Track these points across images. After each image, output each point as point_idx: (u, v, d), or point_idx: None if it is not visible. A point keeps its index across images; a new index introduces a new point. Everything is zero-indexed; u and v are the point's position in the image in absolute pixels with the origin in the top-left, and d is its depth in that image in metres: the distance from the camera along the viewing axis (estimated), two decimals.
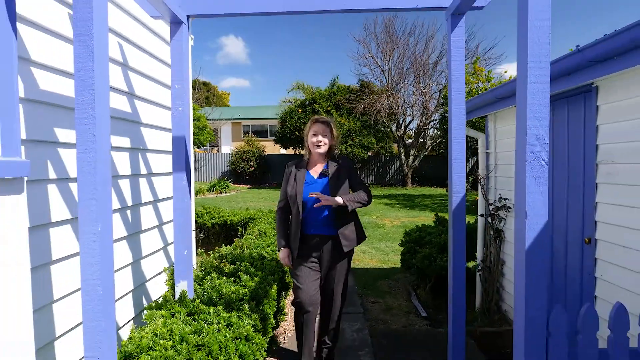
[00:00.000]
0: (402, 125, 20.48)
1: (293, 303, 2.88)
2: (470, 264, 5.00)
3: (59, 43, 2.12)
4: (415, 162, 20.15)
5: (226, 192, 18.08)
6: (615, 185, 2.68)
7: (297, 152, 20.80)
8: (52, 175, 2.06)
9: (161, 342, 1.97)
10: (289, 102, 22.07)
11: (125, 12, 2.71)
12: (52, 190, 2.07)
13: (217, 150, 31.41)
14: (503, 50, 37.89)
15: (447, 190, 14.94)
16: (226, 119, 29.05)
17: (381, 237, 8.52)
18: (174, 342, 1.99)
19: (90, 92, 1.58)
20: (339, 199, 2.74)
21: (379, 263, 6.50)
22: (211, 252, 3.66)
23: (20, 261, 1.75)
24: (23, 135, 1.87)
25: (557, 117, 3.41)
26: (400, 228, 9.11)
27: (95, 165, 1.59)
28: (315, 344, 3.02)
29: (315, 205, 2.74)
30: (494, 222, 4.44)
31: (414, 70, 18.33)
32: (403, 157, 20.09)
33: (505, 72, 25.10)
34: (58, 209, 2.10)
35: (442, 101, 17.50)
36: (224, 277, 2.87)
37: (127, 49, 2.75)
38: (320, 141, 2.88)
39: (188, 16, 2.59)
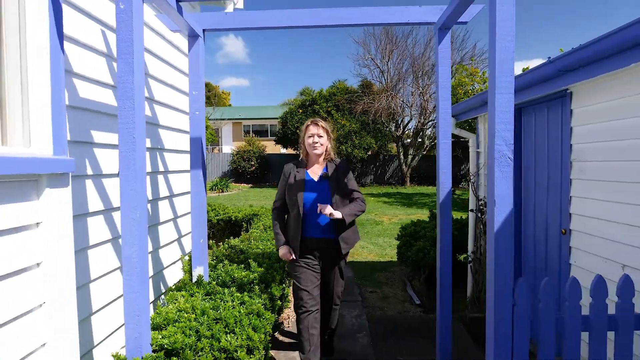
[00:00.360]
0: (401, 125, 20.79)
1: (295, 306, 2.92)
2: (463, 257, 5.31)
3: (93, 55, 2.43)
4: (414, 161, 20.46)
5: (227, 191, 18.40)
6: (586, 180, 3.00)
7: (297, 152, 21.10)
8: (89, 171, 2.37)
9: (185, 315, 2.29)
10: (291, 103, 22.35)
11: (148, 27, 3.02)
12: (89, 184, 2.38)
13: (219, 150, 31.71)
14: None
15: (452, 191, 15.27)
16: (227, 119, 29.36)
17: (379, 234, 8.84)
18: (196, 315, 2.30)
19: (130, 100, 1.89)
20: (339, 214, 2.77)
21: (376, 257, 6.81)
22: (221, 243, 3.97)
23: (67, 245, 2.06)
24: (67, 137, 2.18)
25: (538, 120, 3.73)
26: (398, 225, 9.42)
27: (135, 162, 1.90)
28: (318, 339, 2.95)
29: (318, 211, 2.80)
30: (483, 216, 4.75)
31: (412, 71, 18.65)
32: (402, 156, 20.41)
33: None
34: (94, 201, 2.41)
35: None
36: (235, 264, 3.18)
37: (148, 59, 3.05)
38: (317, 142, 2.94)
39: (204, 30, 2.90)
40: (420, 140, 20.37)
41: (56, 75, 2.01)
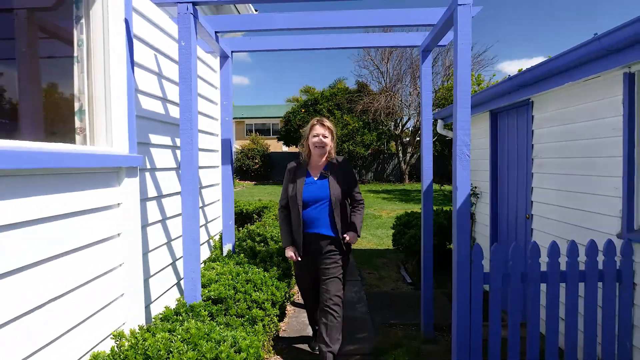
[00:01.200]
0: (400, 124, 21.46)
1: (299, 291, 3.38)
2: (451, 245, 5.99)
3: (149, 75, 3.10)
4: (412, 159, 21.14)
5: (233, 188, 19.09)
6: (542, 174, 3.68)
7: (301, 150, 21.77)
8: (147, 166, 3.05)
9: (223, 277, 2.97)
10: (295, 102, 23.02)
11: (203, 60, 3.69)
12: (147, 176, 3.05)
13: None
14: (496, 53, 38.80)
15: (440, 186, 15.88)
16: (232, 118, 30.01)
17: (378, 226, 9.52)
18: (232, 276, 2.98)
19: (189, 113, 2.57)
20: (355, 239, 3.00)
21: (375, 245, 7.50)
22: (240, 228, 4.65)
23: (136, 221, 2.73)
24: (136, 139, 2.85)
25: (510, 123, 4.40)
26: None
27: (192, 159, 2.58)
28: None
29: (346, 241, 2.97)
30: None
31: (411, 72, 19.30)
32: (401, 154, 21.08)
33: (494, 75, 26.05)
34: (151, 189, 3.08)
35: (440, 102, 18.43)
36: (256, 242, 3.86)
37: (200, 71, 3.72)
38: (322, 142, 3.00)
39: (232, 51, 3.57)
40: (418, 138, 21.03)
41: (130, 94, 2.69)
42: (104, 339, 2.24)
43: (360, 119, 19.48)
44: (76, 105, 2.58)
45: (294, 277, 3.91)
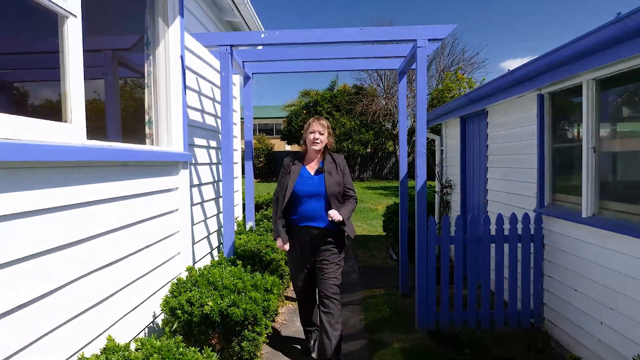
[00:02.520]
0: (397, 125, 22.47)
1: (293, 287, 3.34)
2: None
3: (192, 93, 4.15)
4: (409, 158, 22.17)
5: None
6: (493, 167, 4.72)
7: (303, 149, 22.85)
8: (193, 161, 4.10)
9: (249, 243, 4.02)
10: (294, 105, 24.05)
11: (216, 70, 4.74)
12: (192, 169, 4.10)
13: None
14: (486, 57, 39.96)
15: (434, 184, 16.84)
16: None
17: (373, 217, 10.59)
18: (256, 242, 4.03)
19: (228, 123, 3.62)
20: (340, 217, 2.94)
21: (369, 232, 8.56)
22: (255, 213, 5.70)
23: (188, 201, 3.78)
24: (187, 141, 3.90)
25: (474, 127, 5.44)
26: None
27: (229, 156, 3.64)
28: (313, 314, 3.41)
29: (329, 219, 2.94)
30: (444, 196, 6.48)
31: (407, 76, 20.30)
32: (398, 153, 22.12)
33: (484, 79, 27.05)
34: (194, 179, 4.13)
35: (432, 102, 19.44)
36: (270, 222, 4.91)
37: (216, 91, 4.78)
38: (318, 139, 3.08)
39: (252, 73, 4.62)
40: (414, 138, 22.05)
41: (183, 109, 3.74)
42: (173, 277, 3.30)
43: (359, 120, 20.53)
44: (146, 117, 3.63)
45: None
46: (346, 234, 3.13)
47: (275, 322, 4.00)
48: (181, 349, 1.96)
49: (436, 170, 6.81)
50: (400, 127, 4.61)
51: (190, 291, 2.73)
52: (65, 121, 2.22)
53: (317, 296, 3.22)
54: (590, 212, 3.04)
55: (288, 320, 4.06)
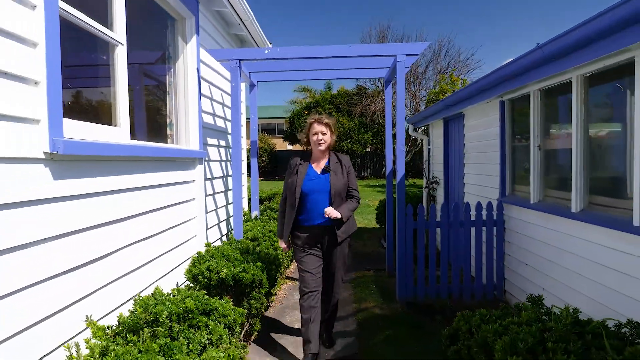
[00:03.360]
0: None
1: (300, 289, 3.16)
2: None
3: (206, 100, 4.81)
4: (408, 157, 22.80)
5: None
6: (469, 164, 5.37)
7: (305, 148, 23.52)
8: (206, 158, 4.75)
9: (255, 228, 4.68)
10: (296, 103, 24.71)
11: (226, 79, 5.41)
12: (205, 165, 4.76)
13: None
14: (481, 57, 40.66)
15: (412, 181, 17.38)
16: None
17: (369, 212, 11.24)
18: (260, 228, 4.69)
19: (238, 127, 4.28)
20: (339, 215, 2.99)
21: (365, 225, 9.22)
22: (260, 205, 6.36)
23: (202, 192, 4.44)
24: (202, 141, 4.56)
25: (454, 129, 6.09)
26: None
27: (238, 154, 4.30)
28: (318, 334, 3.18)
29: (326, 216, 2.99)
30: (430, 191, 7.13)
31: (405, 78, 20.96)
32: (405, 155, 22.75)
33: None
34: (207, 173, 4.79)
35: (429, 105, 20.09)
36: (273, 212, 5.58)
37: (225, 97, 5.44)
38: (321, 139, 3.11)
39: (257, 81, 5.28)
40: (413, 138, 22.68)
41: (199, 113, 4.39)
42: (190, 256, 3.96)
43: (358, 120, 21.18)
44: (168, 121, 4.28)
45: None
46: (343, 239, 3.15)
47: (277, 295, 4.66)
48: (206, 297, 2.61)
49: (424, 168, 7.46)
50: (386, 129, 5.26)
51: (209, 262, 3.38)
52: (115, 125, 2.89)
53: (322, 292, 3.27)
54: (537, 199, 3.69)
55: (288, 294, 4.72)
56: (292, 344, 3.49)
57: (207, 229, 4.61)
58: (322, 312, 3.30)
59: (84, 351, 1.98)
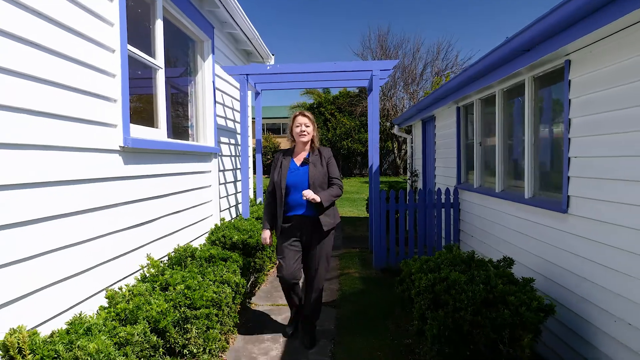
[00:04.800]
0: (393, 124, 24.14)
1: (278, 276, 3.29)
2: None
3: (219, 105, 5.87)
4: (406, 155, 23.80)
5: None
6: (438, 159, 6.40)
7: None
8: (219, 153, 5.82)
9: (259, 210, 5.74)
10: (300, 106, 25.73)
11: (234, 87, 6.48)
12: (219, 159, 5.83)
13: None
14: (471, 55, 41.54)
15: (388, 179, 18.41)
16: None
17: (363, 205, 12.29)
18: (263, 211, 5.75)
19: (246, 128, 5.35)
20: (318, 198, 3.04)
21: (357, 215, 10.28)
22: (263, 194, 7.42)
23: (216, 180, 5.50)
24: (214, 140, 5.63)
25: (430, 128, 7.11)
26: None
27: (246, 151, 5.37)
28: (298, 303, 3.46)
29: (304, 198, 3.06)
30: (413, 183, 8.16)
31: (403, 79, 21.96)
32: (396, 151, 23.76)
33: None
34: (220, 166, 5.85)
35: None
36: None
37: (235, 103, 6.51)
38: (304, 131, 3.22)
39: (262, 90, 6.35)
40: (411, 136, 23.67)
41: (214, 117, 5.46)
42: (207, 231, 5.03)
43: (359, 120, 22.20)
44: (189, 123, 5.34)
45: None
46: (328, 228, 3.20)
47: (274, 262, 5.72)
48: (224, 250, 3.67)
49: (408, 162, 8.49)
50: (369, 131, 6.28)
51: (223, 231, 4.44)
52: (157, 127, 3.96)
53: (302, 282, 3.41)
54: (478, 184, 4.71)
55: None
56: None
57: (220, 210, 5.67)
58: (304, 304, 3.42)
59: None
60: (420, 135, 7.65)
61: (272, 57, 7.71)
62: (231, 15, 5.26)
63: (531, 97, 3.42)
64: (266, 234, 3.46)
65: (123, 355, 1.81)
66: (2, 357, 1.60)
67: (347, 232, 8.09)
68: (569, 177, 2.83)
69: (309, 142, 3.32)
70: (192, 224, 4.47)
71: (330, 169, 3.27)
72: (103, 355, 1.67)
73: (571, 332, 2.79)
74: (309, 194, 3.03)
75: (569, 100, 2.82)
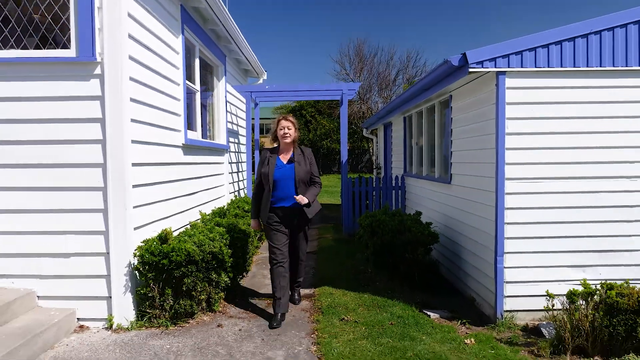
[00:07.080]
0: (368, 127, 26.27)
1: (269, 260, 3.76)
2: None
3: (228, 113, 7.75)
4: (368, 154, 25.98)
5: None
6: (393, 155, 8.46)
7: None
8: (229, 149, 7.71)
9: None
10: (283, 107, 27.60)
11: (237, 98, 8.38)
12: (229, 154, 7.72)
13: None
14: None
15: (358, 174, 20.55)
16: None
17: (339, 195, 14.33)
18: None
19: (249, 131, 7.29)
20: (305, 200, 3.60)
21: (334, 202, 12.30)
22: None
23: (227, 170, 7.39)
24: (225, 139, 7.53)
25: (389, 131, 9.17)
26: None
27: (249, 148, 7.30)
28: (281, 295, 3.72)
29: (299, 202, 3.59)
30: (377, 174, 10.22)
31: (378, 84, 24.13)
32: (371, 151, 25.90)
33: None
34: (230, 159, 7.73)
35: None
36: None
37: (239, 112, 8.41)
38: (287, 133, 3.64)
39: (260, 101, 8.28)
40: (376, 138, 25.84)
41: (226, 122, 7.35)
42: (225, 203, 6.92)
43: (337, 122, 24.23)
44: (209, 126, 7.24)
45: None
46: (310, 216, 3.76)
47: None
48: (242, 212, 5.59)
49: (374, 159, 10.53)
50: (341, 133, 8.29)
51: (237, 203, 6.34)
52: (196, 131, 5.87)
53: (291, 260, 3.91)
54: (414, 172, 6.76)
55: None
56: None
57: (229, 192, 7.58)
58: (291, 278, 3.94)
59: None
60: (382, 137, 9.70)
61: (265, 73, 9.62)
62: (239, 48, 7.18)
63: (438, 114, 5.47)
64: (255, 223, 4.01)
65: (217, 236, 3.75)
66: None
67: (324, 214, 10.07)
68: (451, 163, 4.88)
69: (292, 142, 3.80)
70: (215, 199, 6.38)
71: (312, 168, 3.78)
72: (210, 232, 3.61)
73: (449, 250, 4.86)
74: (301, 199, 3.58)
75: (451, 118, 4.87)
